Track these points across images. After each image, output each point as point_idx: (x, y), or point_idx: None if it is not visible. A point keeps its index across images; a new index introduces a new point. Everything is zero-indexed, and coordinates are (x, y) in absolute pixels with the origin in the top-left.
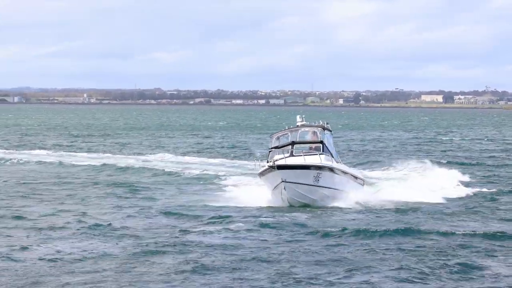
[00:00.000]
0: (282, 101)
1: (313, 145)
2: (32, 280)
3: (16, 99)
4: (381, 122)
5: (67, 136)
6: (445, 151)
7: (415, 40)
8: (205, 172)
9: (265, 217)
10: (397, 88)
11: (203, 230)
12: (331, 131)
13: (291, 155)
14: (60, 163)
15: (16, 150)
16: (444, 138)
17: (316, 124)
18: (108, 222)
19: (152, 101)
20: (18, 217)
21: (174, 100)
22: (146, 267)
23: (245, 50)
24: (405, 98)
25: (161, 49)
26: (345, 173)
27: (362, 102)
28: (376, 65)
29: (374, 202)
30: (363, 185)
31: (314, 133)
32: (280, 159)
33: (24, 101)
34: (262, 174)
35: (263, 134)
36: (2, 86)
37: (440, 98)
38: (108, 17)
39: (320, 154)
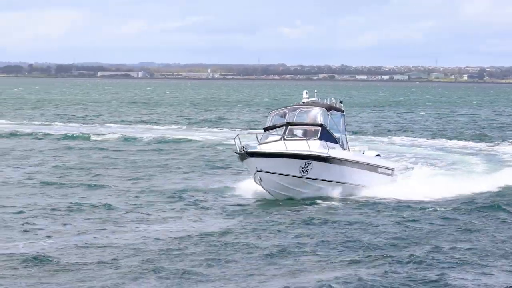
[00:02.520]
0: (406, 77)
1: (312, 128)
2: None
3: (140, 74)
4: None
5: None
6: None
7: None
8: None
9: None
10: None
11: None
12: (342, 111)
13: (283, 138)
14: None
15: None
16: None
17: (323, 102)
18: None
19: (276, 77)
20: None
21: (298, 76)
22: None
23: (369, 25)
24: None
25: (285, 24)
26: (353, 162)
27: (486, 78)
28: (501, 40)
29: (398, 197)
30: (391, 175)
31: (315, 113)
32: (268, 142)
33: (148, 76)
34: (241, 158)
35: None
36: (126, 61)
37: None
38: None
39: (315, 139)
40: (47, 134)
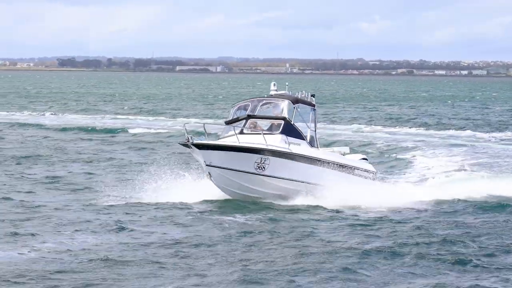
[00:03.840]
0: (484, 72)
1: (275, 122)
2: None
3: (218, 68)
4: None
5: None
6: None
7: None
8: None
9: None
10: None
11: None
12: (313, 106)
13: (241, 132)
14: None
15: None
16: None
17: (289, 95)
18: None
19: (354, 72)
20: None
21: (376, 71)
22: None
23: (448, 20)
24: None
25: (363, 19)
26: (321, 162)
27: None
28: None
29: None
30: (371, 178)
31: (279, 106)
32: (227, 136)
33: (226, 70)
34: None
35: None
36: (205, 55)
37: None
38: None
39: (276, 133)
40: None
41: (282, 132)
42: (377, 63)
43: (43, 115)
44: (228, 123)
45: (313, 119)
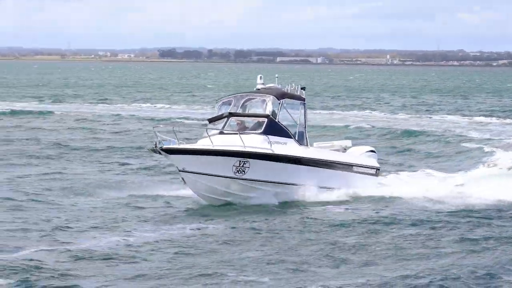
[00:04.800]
0: None
1: (257, 120)
2: None
3: (319, 60)
4: None
5: None
6: None
7: None
8: None
9: None
10: None
11: None
12: (303, 99)
13: (221, 132)
14: None
15: None
16: None
17: (276, 88)
18: None
19: (455, 63)
20: None
21: (477, 62)
22: None
23: None
24: None
25: (463, 9)
26: (311, 161)
27: None
28: None
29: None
30: (375, 175)
31: (263, 102)
32: (206, 137)
33: (327, 62)
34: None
35: None
36: (305, 46)
37: None
38: None
39: (257, 133)
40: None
41: (264, 131)
42: (478, 54)
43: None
44: (211, 121)
45: (302, 114)
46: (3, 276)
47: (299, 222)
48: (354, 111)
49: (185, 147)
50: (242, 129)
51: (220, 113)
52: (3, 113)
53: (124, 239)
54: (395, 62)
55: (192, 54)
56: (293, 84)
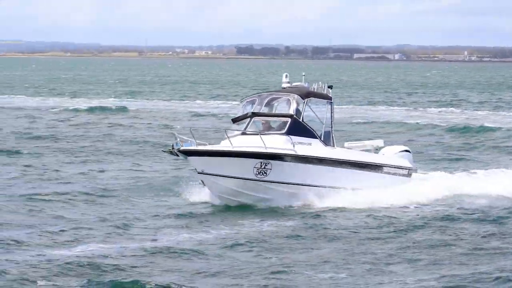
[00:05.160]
0: None
1: (281, 120)
2: None
3: (396, 56)
4: None
5: None
6: None
7: None
8: None
9: None
10: None
11: None
12: (330, 99)
13: (243, 133)
14: None
15: None
16: None
17: (302, 87)
18: None
19: None
20: None
21: None
22: None
23: None
24: None
25: None
26: (336, 162)
27: None
28: None
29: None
30: (408, 176)
31: (287, 101)
32: (231, 137)
33: (404, 58)
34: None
35: None
36: (382, 43)
37: None
38: None
39: (280, 134)
40: None
41: (288, 132)
42: None
43: None
44: (234, 121)
45: (329, 114)
46: (77, 270)
47: (363, 221)
48: (431, 108)
49: (203, 148)
50: (268, 129)
51: (244, 113)
52: (81, 110)
53: (198, 236)
54: (472, 59)
55: (269, 51)
56: (320, 83)
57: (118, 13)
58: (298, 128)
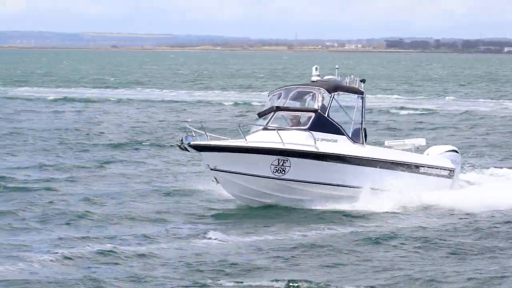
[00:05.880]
0: None
1: (305, 114)
2: None
3: None
4: None
5: None
6: None
7: None
8: None
9: None
10: None
11: None
12: (361, 93)
13: (265, 128)
14: None
15: None
16: None
17: (331, 81)
18: None
19: None
20: None
21: None
22: None
23: None
24: None
25: None
26: (364, 160)
27: None
28: None
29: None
30: (449, 178)
31: (313, 95)
32: (254, 132)
33: None
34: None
35: None
36: None
37: None
38: None
39: (302, 129)
40: None
41: (310, 127)
42: None
43: None
44: (260, 115)
45: (359, 109)
46: (166, 265)
47: (419, 226)
48: None
49: (216, 143)
50: (296, 125)
51: (270, 106)
52: (226, 104)
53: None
54: None
55: (419, 45)
56: (352, 76)
57: (267, 7)
58: (323, 123)
